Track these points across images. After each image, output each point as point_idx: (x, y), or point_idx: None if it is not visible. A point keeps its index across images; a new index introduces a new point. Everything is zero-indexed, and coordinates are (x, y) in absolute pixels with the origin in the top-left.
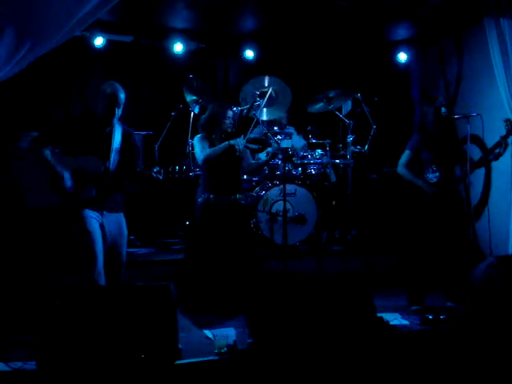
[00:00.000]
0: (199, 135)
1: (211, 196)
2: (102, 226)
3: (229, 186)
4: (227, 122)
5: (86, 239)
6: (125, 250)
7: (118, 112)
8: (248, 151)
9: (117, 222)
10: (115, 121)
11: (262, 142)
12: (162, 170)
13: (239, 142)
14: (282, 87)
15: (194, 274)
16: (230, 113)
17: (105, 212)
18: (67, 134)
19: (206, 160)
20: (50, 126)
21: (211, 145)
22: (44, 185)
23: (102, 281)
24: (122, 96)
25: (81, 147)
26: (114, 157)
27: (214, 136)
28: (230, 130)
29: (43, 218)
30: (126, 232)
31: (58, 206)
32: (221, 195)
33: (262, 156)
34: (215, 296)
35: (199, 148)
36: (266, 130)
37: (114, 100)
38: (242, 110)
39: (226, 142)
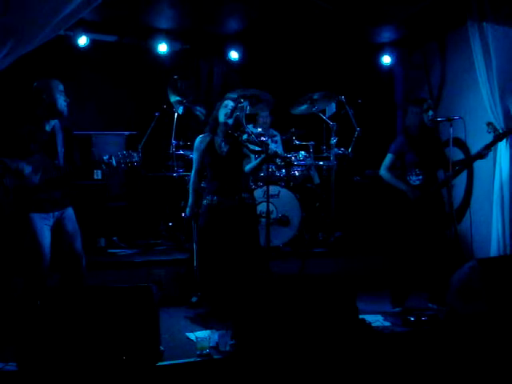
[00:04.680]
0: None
1: (215, 198)
2: (56, 226)
3: (232, 186)
4: (223, 112)
5: (33, 243)
6: (80, 242)
7: None
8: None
9: (70, 216)
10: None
11: (261, 145)
12: (114, 157)
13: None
14: (265, 95)
15: (201, 275)
16: (227, 102)
17: (56, 213)
18: (9, 142)
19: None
20: None
21: (211, 143)
22: None
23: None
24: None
25: (26, 149)
26: (60, 153)
27: (217, 133)
28: (229, 122)
29: None
30: (77, 224)
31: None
32: (224, 196)
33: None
34: (218, 297)
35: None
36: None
37: (64, 94)
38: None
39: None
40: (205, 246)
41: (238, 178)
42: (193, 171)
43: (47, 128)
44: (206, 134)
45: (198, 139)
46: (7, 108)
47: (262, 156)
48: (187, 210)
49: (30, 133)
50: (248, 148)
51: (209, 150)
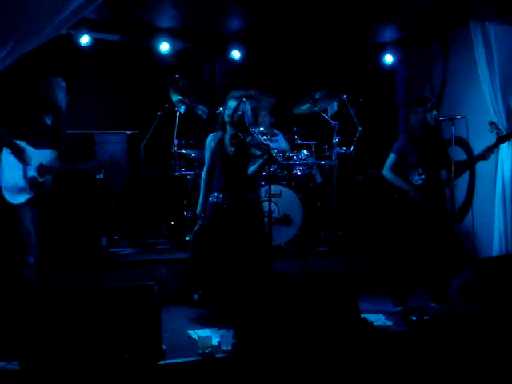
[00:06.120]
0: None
1: (220, 196)
2: (36, 216)
3: (238, 185)
4: (226, 112)
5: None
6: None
7: None
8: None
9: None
10: None
11: (264, 149)
12: None
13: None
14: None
15: (200, 274)
16: (230, 103)
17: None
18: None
19: None
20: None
21: (221, 141)
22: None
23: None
24: None
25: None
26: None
27: (226, 132)
28: (232, 120)
29: None
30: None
31: None
32: (230, 195)
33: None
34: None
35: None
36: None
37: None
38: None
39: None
40: (207, 244)
41: (244, 178)
42: (204, 169)
43: (48, 121)
44: (217, 132)
45: (210, 137)
46: (8, 107)
47: (263, 158)
48: (198, 207)
49: (33, 122)
50: (250, 151)
51: (219, 148)
